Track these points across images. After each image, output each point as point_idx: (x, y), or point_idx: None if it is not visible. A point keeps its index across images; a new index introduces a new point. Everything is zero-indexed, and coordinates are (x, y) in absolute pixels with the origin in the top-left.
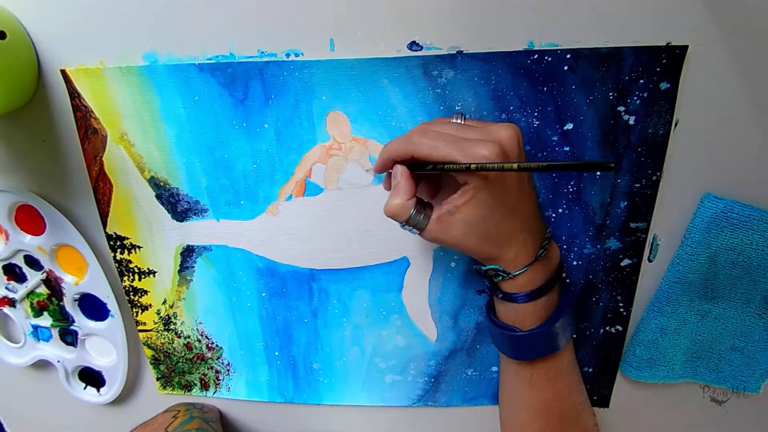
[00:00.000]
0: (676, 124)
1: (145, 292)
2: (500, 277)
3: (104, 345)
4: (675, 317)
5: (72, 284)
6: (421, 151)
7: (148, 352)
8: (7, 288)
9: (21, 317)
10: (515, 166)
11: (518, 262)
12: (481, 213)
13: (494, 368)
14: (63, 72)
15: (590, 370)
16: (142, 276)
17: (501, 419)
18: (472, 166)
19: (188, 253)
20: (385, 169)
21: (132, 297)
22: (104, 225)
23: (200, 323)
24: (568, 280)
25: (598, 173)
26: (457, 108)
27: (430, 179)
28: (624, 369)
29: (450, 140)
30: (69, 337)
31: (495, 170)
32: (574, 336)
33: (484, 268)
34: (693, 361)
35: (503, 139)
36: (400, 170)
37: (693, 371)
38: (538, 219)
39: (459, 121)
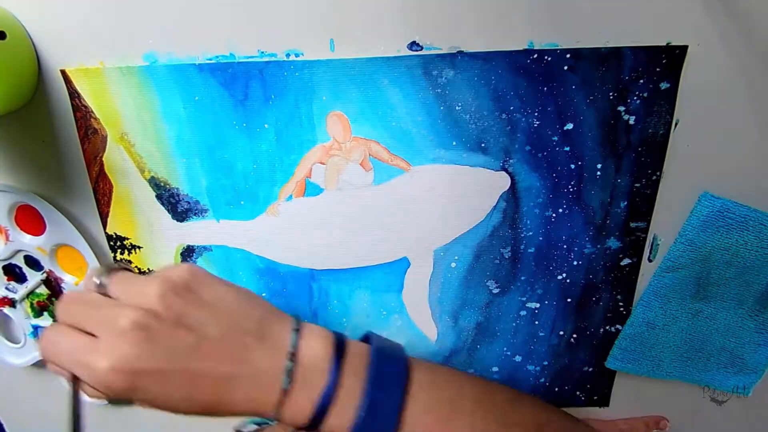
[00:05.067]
0: (676, 124)
1: None
2: (266, 424)
3: None
4: (664, 313)
5: (72, 284)
6: (52, 368)
7: None
8: (7, 288)
9: (21, 317)
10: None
11: (266, 396)
12: (156, 390)
13: (495, 368)
14: (63, 72)
15: (590, 369)
16: None
17: None
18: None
19: (188, 253)
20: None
21: None
22: (104, 225)
23: None
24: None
25: (598, 174)
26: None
27: None
28: (608, 362)
29: (69, 343)
30: None
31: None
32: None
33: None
34: (682, 360)
35: (122, 328)
36: None
37: (682, 370)
38: (246, 334)
39: (99, 280)
